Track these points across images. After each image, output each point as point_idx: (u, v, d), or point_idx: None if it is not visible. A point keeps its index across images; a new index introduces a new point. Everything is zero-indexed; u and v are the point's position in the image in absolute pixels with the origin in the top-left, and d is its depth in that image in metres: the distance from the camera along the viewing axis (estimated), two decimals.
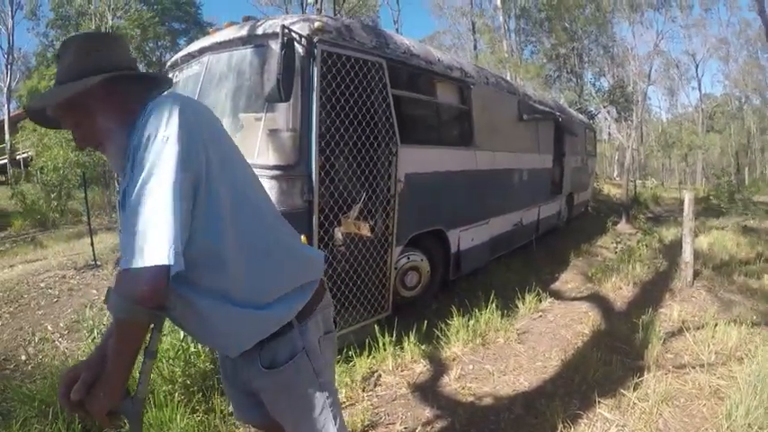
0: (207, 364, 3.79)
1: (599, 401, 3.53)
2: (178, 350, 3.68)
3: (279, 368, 1.63)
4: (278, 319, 1.61)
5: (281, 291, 1.62)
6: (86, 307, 5.74)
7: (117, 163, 1.53)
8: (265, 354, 1.64)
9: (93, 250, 8.41)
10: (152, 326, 1.41)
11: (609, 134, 39.00)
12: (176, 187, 1.31)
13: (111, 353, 1.38)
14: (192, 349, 3.74)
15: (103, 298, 1.44)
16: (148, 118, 1.37)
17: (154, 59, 28.19)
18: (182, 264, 1.32)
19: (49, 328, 5.55)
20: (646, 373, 3.92)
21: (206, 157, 1.42)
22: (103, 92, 1.46)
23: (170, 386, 3.53)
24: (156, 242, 1.28)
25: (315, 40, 4.10)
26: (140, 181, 1.31)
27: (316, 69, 4.05)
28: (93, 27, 19.71)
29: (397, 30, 36.28)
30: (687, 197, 6.57)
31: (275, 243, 1.65)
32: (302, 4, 24.65)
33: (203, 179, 1.41)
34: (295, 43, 3.93)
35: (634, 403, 3.47)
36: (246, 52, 4.60)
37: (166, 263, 1.28)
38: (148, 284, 1.30)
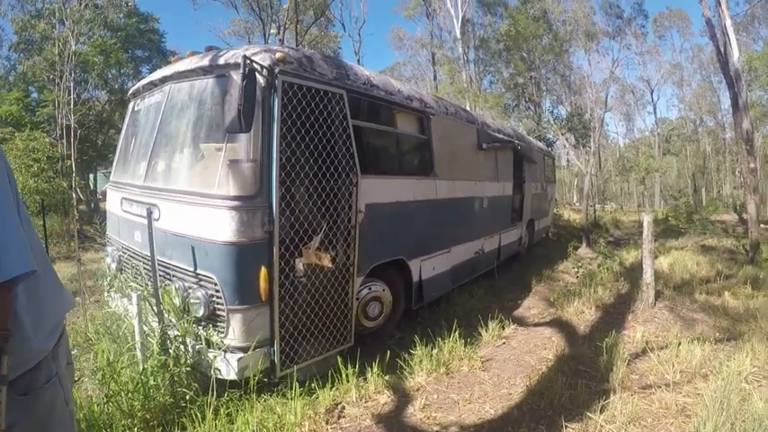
0: (167, 397, 3.71)
1: (566, 426, 3.54)
2: (137, 383, 3.59)
3: (36, 392, 1.49)
4: (46, 348, 1.54)
5: (55, 317, 1.58)
6: None
7: None
8: (21, 380, 1.47)
9: None
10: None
11: (567, 161, 39.89)
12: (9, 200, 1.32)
13: None
14: (152, 383, 3.65)
15: None
16: None
17: (116, 87, 27.93)
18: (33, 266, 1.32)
19: None
20: (612, 395, 3.95)
21: None
22: None
23: (129, 420, 3.44)
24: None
25: (276, 70, 4.11)
26: None
27: (277, 100, 4.06)
28: (57, 52, 19.44)
29: (358, 61, 36.76)
30: (646, 219, 6.67)
31: (45, 271, 1.58)
32: (265, 34, 24.78)
33: None
34: (256, 74, 3.95)
35: (601, 426, 3.49)
36: (208, 82, 4.60)
37: (24, 271, 1.28)
38: None
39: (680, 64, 48.50)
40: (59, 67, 19.31)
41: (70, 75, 19.13)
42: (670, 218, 22.24)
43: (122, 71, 28.59)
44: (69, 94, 19.14)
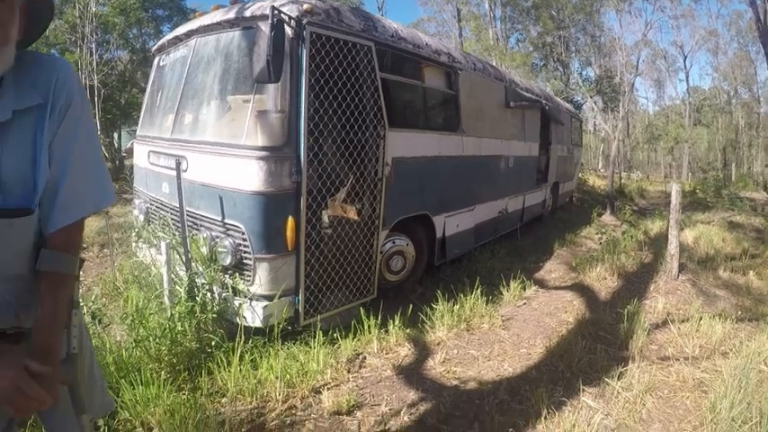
0: (193, 343, 3.79)
1: (583, 389, 3.57)
2: (165, 329, 3.68)
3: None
4: None
5: None
6: None
7: None
8: None
9: None
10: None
11: (594, 125, 39.19)
12: None
13: (49, 318, 1.29)
14: (179, 328, 3.74)
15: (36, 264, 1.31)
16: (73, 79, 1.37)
17: (138, 46, 27.91)
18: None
19: None
20: (630, 363, 3.96)
21: None
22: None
23: (156, 364, 3.53)
24: (105, 186, 1.42)
25: (304, 21, 4.07)
26: (85, 135, 1.38)
27: (305, 51, 4.03)
28: (77, 14, 19.39)
29: (381, 15, 36.08)
30: (674, 189, 6.54)
31: None
32: None
33: None
34: (284, 25, 3.92)
35: (618, 392, 3.50)
36: (235, 34, 4.58)
37: (109, 202, 1.44)
38: (82, 229, 1.39)
39: (716, 30, 46.35)
40: (80, 29, 19.28)
41: (91, 36, 19.11)
42: (698, 191, 21.81)
43: (143, 31, 28.43)
44: (91, 55, 19.14)
